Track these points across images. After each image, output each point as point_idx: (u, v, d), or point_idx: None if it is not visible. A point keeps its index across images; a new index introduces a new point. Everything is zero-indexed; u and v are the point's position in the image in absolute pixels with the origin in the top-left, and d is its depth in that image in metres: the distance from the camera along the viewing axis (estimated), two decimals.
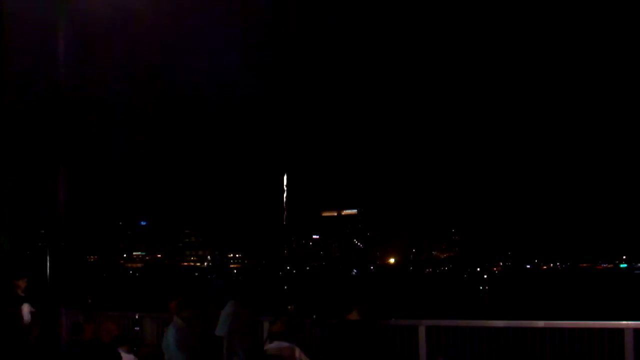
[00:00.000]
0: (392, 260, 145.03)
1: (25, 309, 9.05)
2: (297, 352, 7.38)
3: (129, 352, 6.71)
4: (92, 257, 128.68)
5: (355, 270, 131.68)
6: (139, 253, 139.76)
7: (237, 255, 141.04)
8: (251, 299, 7.28)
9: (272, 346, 7.48)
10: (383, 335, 6.00)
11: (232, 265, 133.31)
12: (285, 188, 22.40)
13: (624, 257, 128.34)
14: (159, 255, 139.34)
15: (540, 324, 7.91)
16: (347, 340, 5.63)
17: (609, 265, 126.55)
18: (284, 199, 22.14)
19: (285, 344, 7.42)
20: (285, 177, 23.09)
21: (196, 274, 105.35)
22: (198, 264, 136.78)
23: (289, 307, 9.37)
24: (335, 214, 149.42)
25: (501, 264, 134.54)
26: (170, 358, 5.97)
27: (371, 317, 5.99)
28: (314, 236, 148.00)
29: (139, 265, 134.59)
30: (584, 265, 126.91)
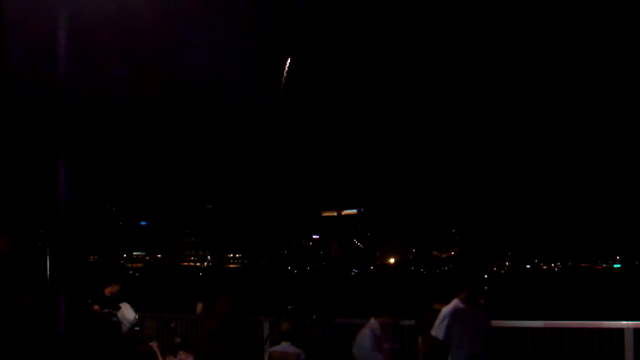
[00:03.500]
0: (392, 260, 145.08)
1: (125, 308, 9.04)
2: (303, 358, 7.32)
3: None
4: (92, 257, 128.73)
5: (355, 270, 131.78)
6: (139, 253, 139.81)
7: (237, 255, 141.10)
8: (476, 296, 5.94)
9: (277, 349, 7.38)
10: None
11: (231, 265, 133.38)
12: (285, 74, 20.77)
13: (618, 257, 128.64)
14: (159, 255, 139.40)
15: (540, 324, 7.91)
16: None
17: (606, 266, 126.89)
18: (282, 85, 20.53)
19: (291, 349, 7.34)
20: (288, 62, 21.31)
21: (200, 274, 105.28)
22: (198, 264, 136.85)
23: (289, 307, 9.35)
24: (335, 214, 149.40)
25: (507, 263, 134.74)
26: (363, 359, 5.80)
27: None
28: (314, 236, 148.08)
29: (139, 265, 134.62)
30: (584, 265, 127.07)
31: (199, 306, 9.22)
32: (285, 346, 7.32)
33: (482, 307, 5.94)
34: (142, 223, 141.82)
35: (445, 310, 5.75)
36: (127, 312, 9.08)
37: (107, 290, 9.35)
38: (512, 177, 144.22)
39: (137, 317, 9.19)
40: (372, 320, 5.68)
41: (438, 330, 5.72)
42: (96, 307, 9.15)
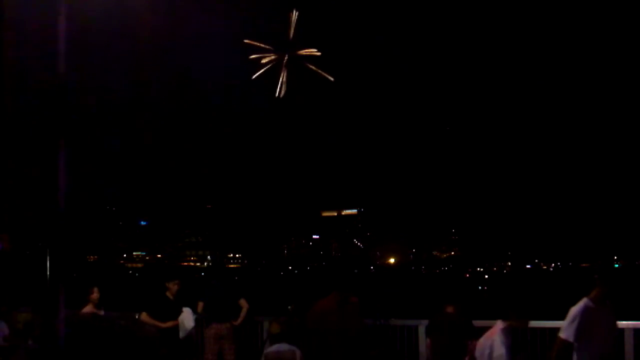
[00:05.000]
0: (392, 260, 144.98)
1: (187, 314, 8.68)
2: (298, 355, 7.31)
3: None
4: (92, 257, 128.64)
5: (355, 270, 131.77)
6: (139, 253, 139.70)
7: (237, 255, 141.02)
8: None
9: (271, 349, 7.39)
10: (472, 327, 6.85)
11: (231, 265, 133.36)
12: (293, 27, 21.07)
13: (615, 257, 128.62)
14: (159, 255, 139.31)
15: (540, 323, 7.91)
16: (445, 329, 6.51)
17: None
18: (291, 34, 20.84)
19: (285, 347, 7.34)
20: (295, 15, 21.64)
21: (202, 274, 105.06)
22: (198, 264, 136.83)
23: (289, 307, 9.36)
24: (335, 214, 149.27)
25: (509, 263, 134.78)
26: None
27: (464, 312, 6.87)
28: (314, 236, 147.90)
29: (139, 265, 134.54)
30: (584, 265, 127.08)
31: (200, 305, 9.18)
32: (279, 346, 7.35)
33: (610, 307, 5.71)
34: (142, 223, 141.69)
35: (575, 310, 5.46)
36: (187, 319, 8.77)
37: (169, 293, 8.91)
38: (511, 177, 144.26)
39: (194, 326, 8.85)
40: (501, 324, 5.32)
41: (568, 331, 5.44)
42: (143, 315, 8.76)
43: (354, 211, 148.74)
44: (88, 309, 8.76)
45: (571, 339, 5.45)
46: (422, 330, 8.30)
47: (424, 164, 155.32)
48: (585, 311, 5.46)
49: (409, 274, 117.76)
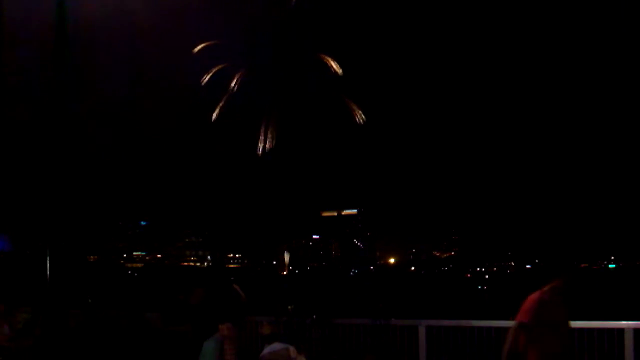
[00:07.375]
0: (392, 260, 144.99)
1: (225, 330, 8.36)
2: (292, 351, 7.35)
3: None
4: (92, 257, 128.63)
5: (354, 270, 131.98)
6: (139, 253, 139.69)
7: (237, 256, 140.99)
8: None
9: (265, 351, 7.42)
10: None
11: (231, 265, 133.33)
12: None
13: (612, 257, 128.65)
14: (159, 255, 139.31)
15: None
16: None
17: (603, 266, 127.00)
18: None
19: (278, 346, 7.38)
20: None
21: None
22: (198, 264, 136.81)
23: (289, 307, 9.37)
24: (335, 214, 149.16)
25: (512, 263, 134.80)
26: None
27: None
28: (314, 236, 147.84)
29: (139, 265, 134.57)
30: (583, 265, 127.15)
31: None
32: (272, 346, 7.39)
33: None
34: (142, 223, 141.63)
35: None
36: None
37: (193, 299, 8.89)
38: (511, 177, 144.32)
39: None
40: None
41: None
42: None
43: (354, 211, 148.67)
44: None
45: None
46: (422, 330, 8.30)
47: (424, 164, 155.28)
48: None
49: (409, 274, 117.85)
